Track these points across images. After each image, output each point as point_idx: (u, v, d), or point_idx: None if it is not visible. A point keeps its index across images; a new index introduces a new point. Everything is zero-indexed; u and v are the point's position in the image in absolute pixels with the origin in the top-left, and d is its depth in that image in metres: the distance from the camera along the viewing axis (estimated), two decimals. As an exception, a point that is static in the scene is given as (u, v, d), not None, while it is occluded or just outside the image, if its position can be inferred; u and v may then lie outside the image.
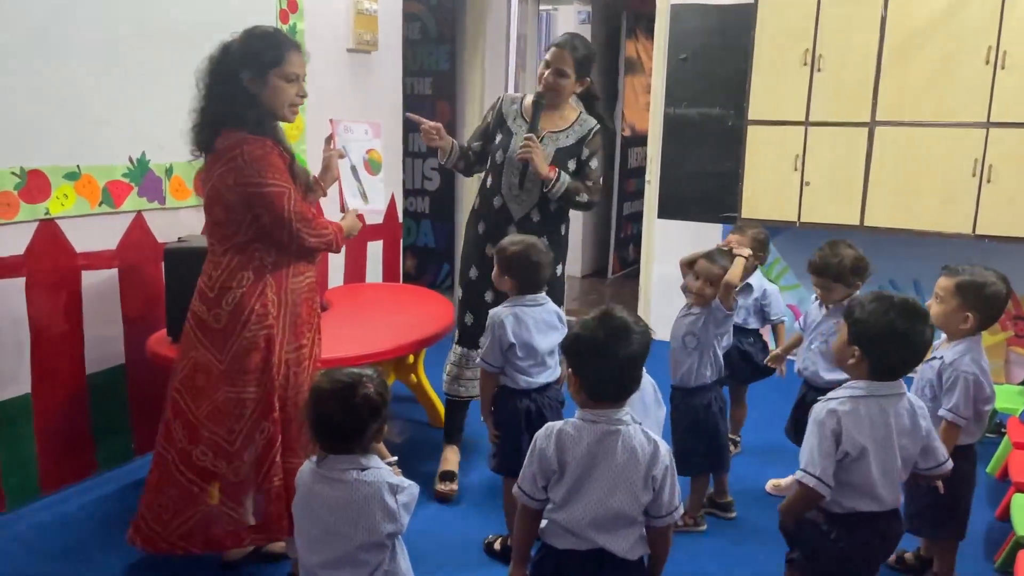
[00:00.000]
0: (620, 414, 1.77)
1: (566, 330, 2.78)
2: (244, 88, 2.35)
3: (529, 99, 3.16)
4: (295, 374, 2.51)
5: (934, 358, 2.50)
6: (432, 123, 3.11)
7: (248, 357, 2.40)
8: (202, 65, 2.37)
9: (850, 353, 2.01)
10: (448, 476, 3.25)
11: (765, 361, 3.42)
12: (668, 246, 5.37)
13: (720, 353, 2.95)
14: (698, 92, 5.12)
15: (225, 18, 3.35)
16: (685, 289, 3.04)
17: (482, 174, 3.25)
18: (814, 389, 3.08)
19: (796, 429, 3.20)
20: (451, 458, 3.32)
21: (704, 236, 5.22)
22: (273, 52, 2.36)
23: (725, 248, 2.97)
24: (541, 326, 2.68)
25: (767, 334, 3.61)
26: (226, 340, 2.41)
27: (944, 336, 2.57)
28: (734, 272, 2.80)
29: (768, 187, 4.70)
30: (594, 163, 3.17)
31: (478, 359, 2.70)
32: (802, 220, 4.63)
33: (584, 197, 3.12)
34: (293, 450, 2.47)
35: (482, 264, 3.13)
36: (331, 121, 2.68)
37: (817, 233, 4.72)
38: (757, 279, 3.54)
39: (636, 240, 6.74)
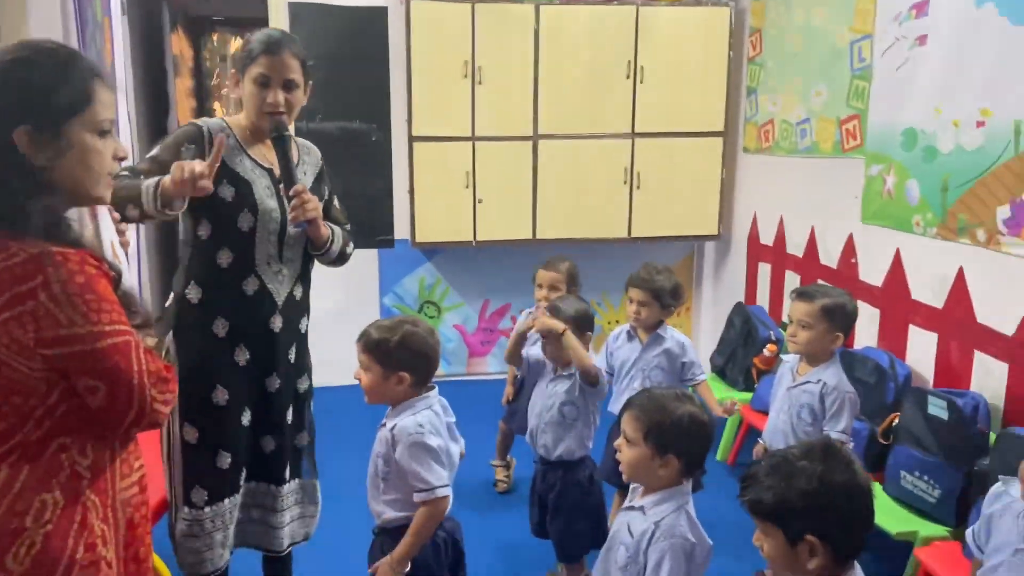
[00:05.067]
0: (855, 570, 1.37)
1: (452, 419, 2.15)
2: (19, 158, 1.23)
3: (232, 123, 2.17)
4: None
5: (807, 382, 2.55)
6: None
7: None
8: None
9: None
10: None
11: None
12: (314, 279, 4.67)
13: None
14: (333, 104, 4.49)
15: None
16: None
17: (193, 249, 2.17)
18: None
19: (615, 471, 3.01)
20: None
21: (356, 264, 4.67)
22: (71, 87, 1.29)
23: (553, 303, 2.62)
24: (446, 429, 2.04)
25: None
26: None
27: (795, 358, 2.64)
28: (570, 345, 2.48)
29: (440, 207, 4.38)
30: (336, 201, 2.46)
31: (425, 493, 1.93)
32: (478, 239, 4.42)
33: (350, 248, 2.41)
34: None
35: (234, 381, 2.18)
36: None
37: (488, 251, 4.61)
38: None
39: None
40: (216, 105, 7.21)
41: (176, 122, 6.12)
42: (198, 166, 1.82)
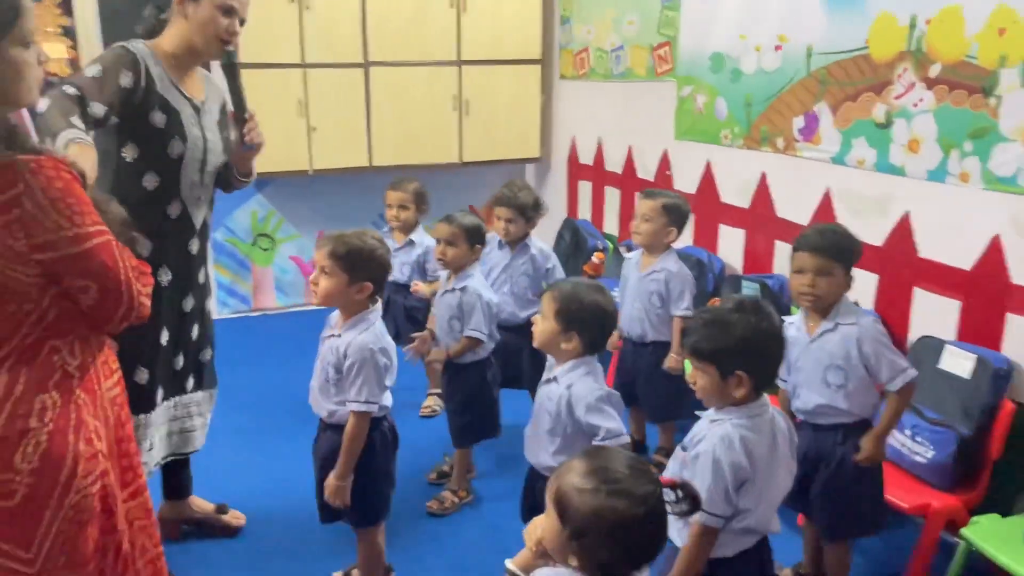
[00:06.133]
0: (764, 397, 1.72)
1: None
2: None
3: (156, 50, 2.20)
4: (142, 529, 1.54)
5: (653, 271, 2.94)
6: None
7: (81, 538, 1.40)
8: None
9: None
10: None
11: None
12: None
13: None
14: (148, 30, 4.25)
15: None
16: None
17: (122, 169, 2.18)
18: (510, 330, 3.14)
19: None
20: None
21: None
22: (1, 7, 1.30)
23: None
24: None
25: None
26: (34, 523, 1.35)
27: (641, 251, 3.03)
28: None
29: (274, 136, 4.26)
30: None
31: (357, 404, 2.08)
32: (315, 168, 4.44)
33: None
34: None
35: (156, 299, 2.18)
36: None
37: (323, 179, 4.64)
38: (420, 235, 3.41)
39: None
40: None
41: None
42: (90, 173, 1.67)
